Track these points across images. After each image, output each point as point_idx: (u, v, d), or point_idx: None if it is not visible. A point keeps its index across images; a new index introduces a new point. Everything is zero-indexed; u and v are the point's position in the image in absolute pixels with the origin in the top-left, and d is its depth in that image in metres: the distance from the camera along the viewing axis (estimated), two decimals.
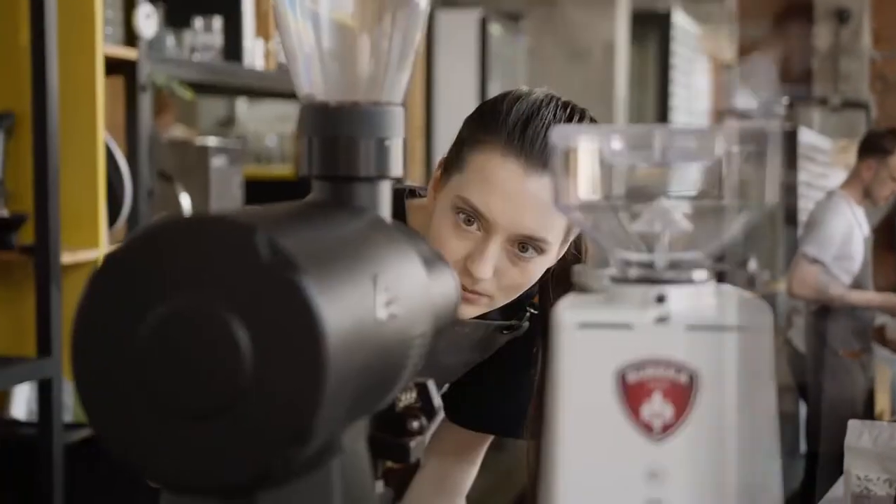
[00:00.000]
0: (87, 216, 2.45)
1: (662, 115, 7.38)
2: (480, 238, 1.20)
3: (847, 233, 4.10)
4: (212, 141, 3.11)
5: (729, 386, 0.65)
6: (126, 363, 0.62)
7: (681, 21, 7.41)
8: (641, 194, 0.71)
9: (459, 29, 4.87)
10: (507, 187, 1.18)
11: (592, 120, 1.27)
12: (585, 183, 0.70)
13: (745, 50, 9.79)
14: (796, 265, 4.16)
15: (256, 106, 5.69)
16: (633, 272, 0.70)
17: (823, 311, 4.20)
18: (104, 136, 2.48)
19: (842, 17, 9.21)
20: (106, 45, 2.50)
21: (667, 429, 0.65)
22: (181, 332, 0.61)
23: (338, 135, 0.79)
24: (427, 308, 0.76)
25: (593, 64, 5.30)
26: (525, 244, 1.20)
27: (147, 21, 2.59)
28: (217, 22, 2.98)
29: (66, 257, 2.37)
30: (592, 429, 0.66)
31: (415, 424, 0.77)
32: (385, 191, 0.80)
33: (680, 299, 0.67)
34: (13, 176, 2.39)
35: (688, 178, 0.71)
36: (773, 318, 0.68)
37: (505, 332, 1.37)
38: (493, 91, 6.00)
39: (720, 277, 0.71)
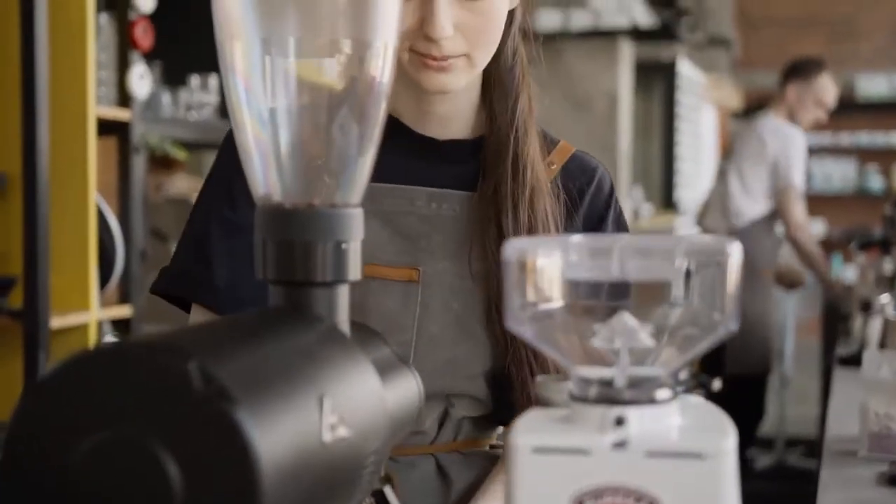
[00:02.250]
0: (77, 279, 2.43)
1: (668, 163, 7.36)
2: (423, 0, 1.12)
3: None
4: None
5: None
6: (54, 494, 0.59)
7: (686, 70, 7.41)
8: (601, 308, 0.68)
9: None
10: None
11: None
12: (540, 296, 0.68)
13: (750, 97, 9.84)
14: (788, 197, 4.15)
15: None
16: (593, 391, 0.67)
17: (748, 229, 4.21)
18: (96, 198, 2.46)
19: None
20: (99, 107, 2.49)
21: None
22: (111, 464, 0.58)
23: (294, 238, 0.76)
24: (381, 422, 0.73)
25: (597, 114, 5.30)
26: None
27: (141, 82, 2.58)
28: (213, 80, 2.97)
29: (56, 321, 2.34)
30: None
31: None
32: (343, 295, 0.78)
33: (641, 421, 0.64)
34: (4, 238, 2.38)
35: (650, 292, 0.68)
36: (737, 438, 0.65)
37: None
38: None
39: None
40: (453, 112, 1.24)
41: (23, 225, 2.29)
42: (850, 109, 9.91)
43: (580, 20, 5.20)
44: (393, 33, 0.78)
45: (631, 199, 6.08)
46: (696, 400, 0.74)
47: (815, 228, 10.00)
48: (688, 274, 0.66)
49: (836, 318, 4.51)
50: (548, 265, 0.67)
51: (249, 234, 0.94)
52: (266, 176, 0.78)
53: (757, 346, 4.13)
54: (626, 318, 0.68)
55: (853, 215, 9.95)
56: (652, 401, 0.66)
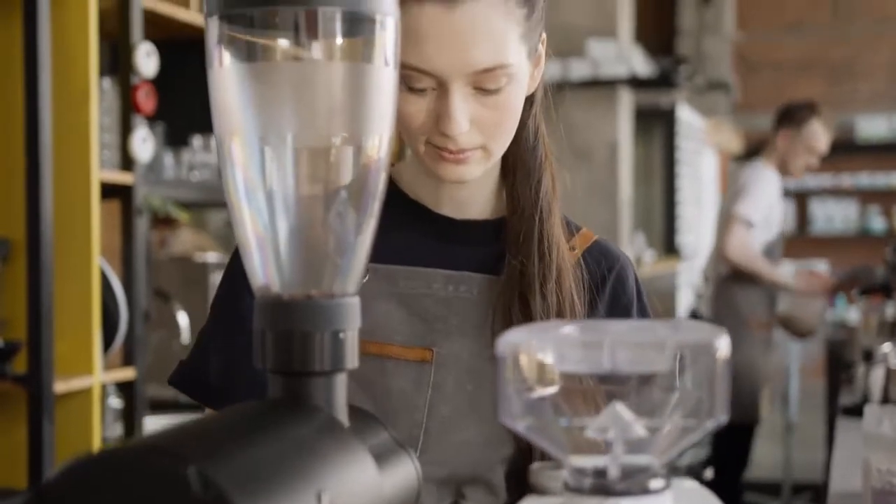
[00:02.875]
0: (81, 343, 2.44)
1: (669, 208, 7.39)
2: (438, 95, 1.10)
3: (771, 202, 4.17)
4: (212, 257, 3.11)
5: None
6: None
7: (685, 115, 7.45)
8: (594, 399, 0.69)
9: None
10: (435, 32, 1.06)
11: None
12: (533, 389, 0.69)
13: (751, 140, 9.90)
14: (731, 224, 4.17)
15: None
16: (587, 481, 0.68)
17: (734, 276, 4.21)
18: (99, 262, 2.48)
19: None
20: (102, 171, 2.51)
21: None
22: None
23: (292, 329, 0.77)
24: None
25: (597, 163, 5.33)
26: (487, 79, 1.09)
27: (143, 145, 2.61)
28: (215, 141, 3.00)
29: (60, 386, 2.35)
30: None
31: None
32: (341, 384, 0.79)
33: None
34: (8, 303, 2.39)
35: (642, 382, 0.69)
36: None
37: None
38: None
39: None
40: (473, 195, 1.23)
41: (27, 290, 2.31)
42: (850, 151, 9.95)
43: (579, 70, 5.25)
44: (388, 126, 0.80)
45: (633, 246, 6.09)
46: (690, 485, 0.75)
47: (817, 270, 10.01)
48: (678, 366, 0.67)
49: (839, 363, 4.50)
50: (541, 358, 0.68)
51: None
52: (264, 267, 0.79)
53: (743, 395, 4.12)
54: (620, 409, 0.69)
55: (855, 257, 9.96)
56: (646, 491, 0.66)
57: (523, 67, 1.13)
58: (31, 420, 2.27)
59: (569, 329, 0.70)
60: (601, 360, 0.67)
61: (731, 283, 4.22)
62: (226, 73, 0.77)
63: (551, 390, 0.69)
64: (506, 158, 1.22)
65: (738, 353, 4.02)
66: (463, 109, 1.09)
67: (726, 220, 4.18)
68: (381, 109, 0.79)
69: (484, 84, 1.10)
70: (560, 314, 1.17)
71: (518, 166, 1.22)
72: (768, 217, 4.18)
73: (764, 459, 6.43)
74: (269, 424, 0.72)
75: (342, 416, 0.78)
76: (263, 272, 0.79)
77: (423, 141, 1.14)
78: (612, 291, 1.25)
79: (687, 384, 0.67)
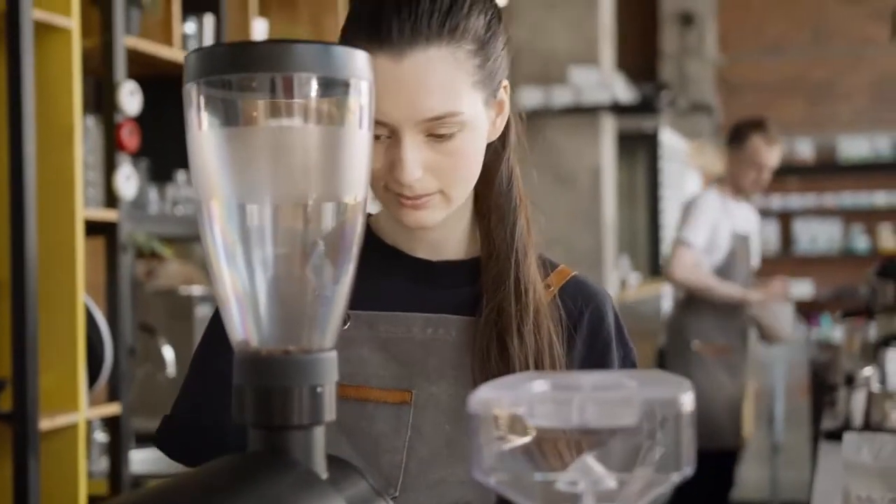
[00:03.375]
0: (67, 380, 2.45)
1: (654, 231, 7.43)
2: (392, 143, 1.12)
3: (715, 224, 4.15)
4: (196, 290, 3.13)
5: None
6: None
7: (668, 139, 7.50)
8: (564, 453, 0.71)
9: None
10: (384, 82, 1.08)
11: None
12: (504, 444, 0.71)
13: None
14: (675, 249, 4.21)
15: None
16: None
17: (687, 303, 4.22)
18: (84, 298, 2.49)
19: (687, 20, 9.35)
20: (87, 208, 2.53)
21: None
22: None
23: (271, 384, 0.79)
24: None
25: (581, 188, 5.36)
26: (438, 126, 1.11)
27: (127, 182, 2.63)
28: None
29: (45, 423, 2.36)
30: None
31: None
32: (319, 436, 0.81)
33: None
34: None
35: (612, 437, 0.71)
36: None
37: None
38: None
39: None
40: (446, 237, 1.24)
41: (11, 327, 2.32)
42: (833, 171, 10.03)
43: (562, 97, 5.29)
44: (363, 185, 0.82)
45: (618, 270, 6.12)
46: None
47: (802, 289, 10.08)
48: (646, 421, 0.69)
49: (823, 384, 4.52)
50: (512, 414, 0.70)
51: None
52: (243, 323, 0.81)
53: (719, 421, 4.12)
54: (590, 462, 0.71)
55: (839, 276, 10.02)
56: None
57: (479, 115, 1.15)
58: (17, 457, 2.28)
59: (540, 384, 0.73)
60: (571, 416, 0.70)
61: (684, 310, 4.25)
62: (205, 137, 0.80)
63: (523, 445, 0.71)
64: (480, 201, 1.24)
65: (698, 380, 4.05)
66: (415, 157, 1.11)
67: (673, 244, 4.24)
68: (357, 170, 0.82)
69: (436, 131, 1.12)
70: (538, 355, 1.18)
71: (493, 210, 1.24)
72: (713, 240, 4.20)
73: (750, 480, 6.46)
74: (247, 480, 0.74)
75: (320, 468, 0.80)
76: (242, 328, 0.81)
77: (382, 187, 1.16)
78: (589, 327, 1.25)
79: (654, 438, 0.69)
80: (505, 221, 1.23)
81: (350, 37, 1.13)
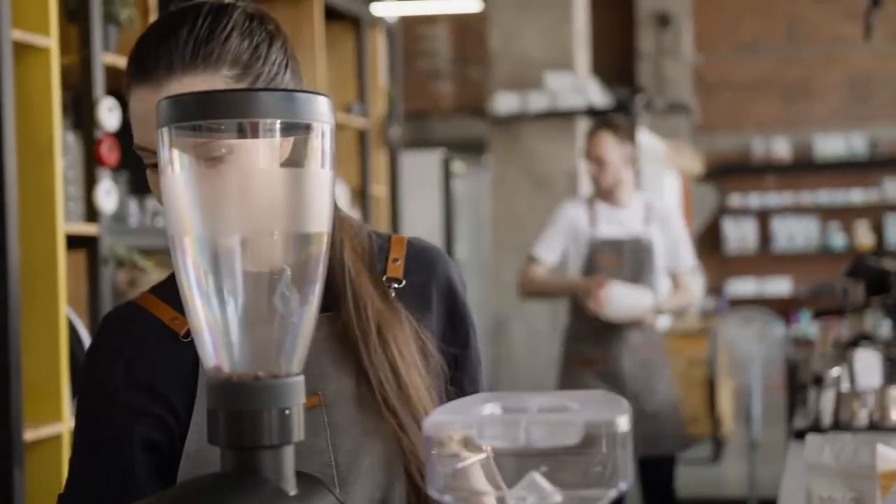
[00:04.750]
0: (50, 391, 2.49)
1: None
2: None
3: (564, 235, 4.10)
4: None
5: None
6: None
7: (645, 140, 7.57)
8: (513, 471, 0.77)
9: (424, 168, 5.01)
10: (142, 111, 1.16)
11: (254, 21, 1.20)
12: (456, 464, 0.77)
13: (711, 161, 10.06)
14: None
15: None
16: None
17: (568, 323, 4.18)
18: (66, 311, 2.54)
19: (663, 21, 9.44)
20: (67, 223, 2.57)
21: None
22: None
23: (242, 408, 0.85)
24: None
25: (557, 192, 5.43)
26: (209, 151, 1.11)
27: (108, 197, 2.67)
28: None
29: (29, 434, 2.41)
30: None
31: None
32: (288, 455, 0.86)
33: None
34: None
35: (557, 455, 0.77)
36: None
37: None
38: (459, 225, 6.15)
39: None
40: None
41: None
42: (809, 169, 10.14)
43: (538, 102, 5.36)
44: (326, 221, 0.88)
45: None
46: None
47: (780, 287, 10.19)
48: (587, 440, 0.75)
49: (797, 382, 4.57)
50: (463, 435, 0.76)
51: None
52: (215, 351, 0.87)
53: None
54: (537, 479, 0.77)
55: (817, 273, 10.13)
56: None
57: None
58: (1, 468, 2.32)
59: (490, 408, 0.79)
60: (518, 437, 0.76)
61: (565, 330, 4.22)
62: (178, 178, 0.85)
63: (473, 464, 0.77)
64: None
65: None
66: None
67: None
68: (319, 206, 0.87)
69: (211, 155, 1.13)
70: (393, 365, 1.23)
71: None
72: (568, 250, 4.11)
73: (729, 476, 6.54)
74: (220, 498, 0.79)
75: (289, 485, 0.86)
76: (215, 355, 0.87)
77: None
78: (437, 294, 1.31)
79: (595, 456, 0.75)
80: (333, 247, 1.25)
81: (126, 75, 1.20)
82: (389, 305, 1.26)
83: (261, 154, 0.86)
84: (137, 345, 1.24)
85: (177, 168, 0.85)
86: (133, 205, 2.97)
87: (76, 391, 1.22)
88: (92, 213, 2.68)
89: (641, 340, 4.12)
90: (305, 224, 0.87)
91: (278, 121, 0.84)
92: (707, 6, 10.09)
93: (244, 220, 0.86)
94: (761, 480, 5.40)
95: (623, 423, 0.74)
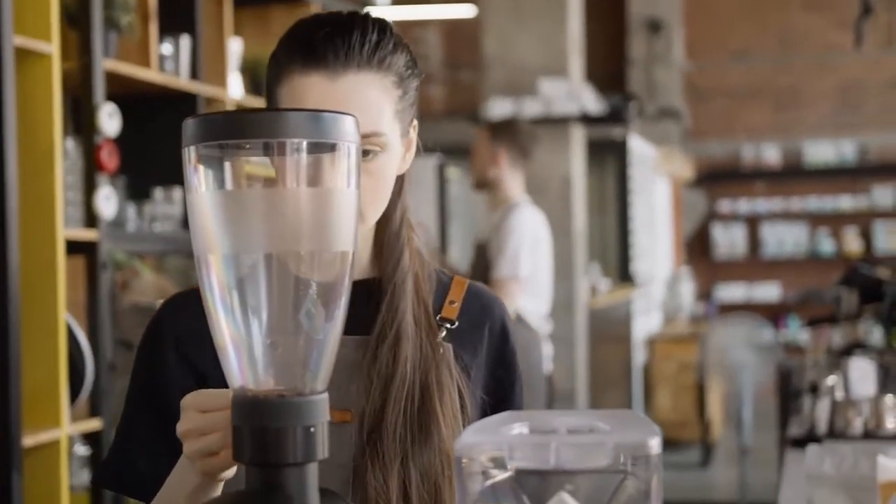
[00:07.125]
0: (49, 397, 2.49)
1: (623, 237, 7.51)
2: None
3: (532, 245, 3.95)
4: None
5: None
6: None
7: (637, 146, 7.60)
8: (543, 492, 0.78)
9: (418, 174, 5.00)
10: (318, 99, 1.16)
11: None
12: (487, 483, 0.77)
13: (702, 167, 10.09)
14: (498, 290, 3.81)
15: None
16: None
17: None
18: (65, 316, 2.54)
19: (654, 27, 9.45)
20: (67, 228, 2.57)
21: None
22: None
23: (267, 425, 0.85)
24: None
25: (551, 197, 5.43)
26: (364, 143, 1.14)
27: (107, 202, 2.67)
28: (177, 192, 3.07)
29: (28, 440, 2.40)
30: None
31: None
32: (312, 472, 0.87)
33: None
34: None
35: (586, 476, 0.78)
36: None
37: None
38: (453, 231, 6.15)
39: None
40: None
41: None
42: (798, 175, 10.17)
43: (532, 108, 5.36)
44: (351, 239, 0.88)
45: (588, 276, 6.20)
46: None
47: (769, 292, 10.23)
48: (617, 462, 0.75)
49: (789, 388, 4.57)
50: (494, 456, 0.77)
51: (171, 422, 1.01)
52: (241, 369, 0.87)
53: None
54: (565, 498, 0.77)
55: (806, 279, 10.15)
56: None
57: (396, 143, 1.22)
58: (1, 474, 2.32)
59: (517, 427, 0.79)
60: (548, 458, 0.76)
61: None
62: (203, 197, 0.85)
63: (503, 483, 0.77)
64: (377, 230, 1.28)
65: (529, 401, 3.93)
66: None
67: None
68: (345, 224, 0.88)
69: (362, 147, 1.18)
70: (388, 378, 1.22)
71: (384, 247, 1.28)
72: (537, 263, 4.02)
73: (719, 481, 6.56)
74: None
75: (313, 502, 0.86)
76: (240, 374, 0.87)
77: None
78: (488, 340, 1.32)
79: (625, 477, 0.76)
80: (391, 259, 1.27)
81: (284, 60, 1.20)
82: (432, 345, 1.26)
83: (287, 173, 0.86)
84: (188, 326, 1.22)
85: (202, 187, 0.86)
86: (131, 210, 2.97)
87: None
88: (91, 219, 2.68)
89: None
90: (330, 242, 0.87)
91: (305, 140, 0.84)
92: (698, 14, 10.11)
93: (269, 238, 0.86)
94: (751, 486, 5.41)
95: (655, 444, 0.74)
